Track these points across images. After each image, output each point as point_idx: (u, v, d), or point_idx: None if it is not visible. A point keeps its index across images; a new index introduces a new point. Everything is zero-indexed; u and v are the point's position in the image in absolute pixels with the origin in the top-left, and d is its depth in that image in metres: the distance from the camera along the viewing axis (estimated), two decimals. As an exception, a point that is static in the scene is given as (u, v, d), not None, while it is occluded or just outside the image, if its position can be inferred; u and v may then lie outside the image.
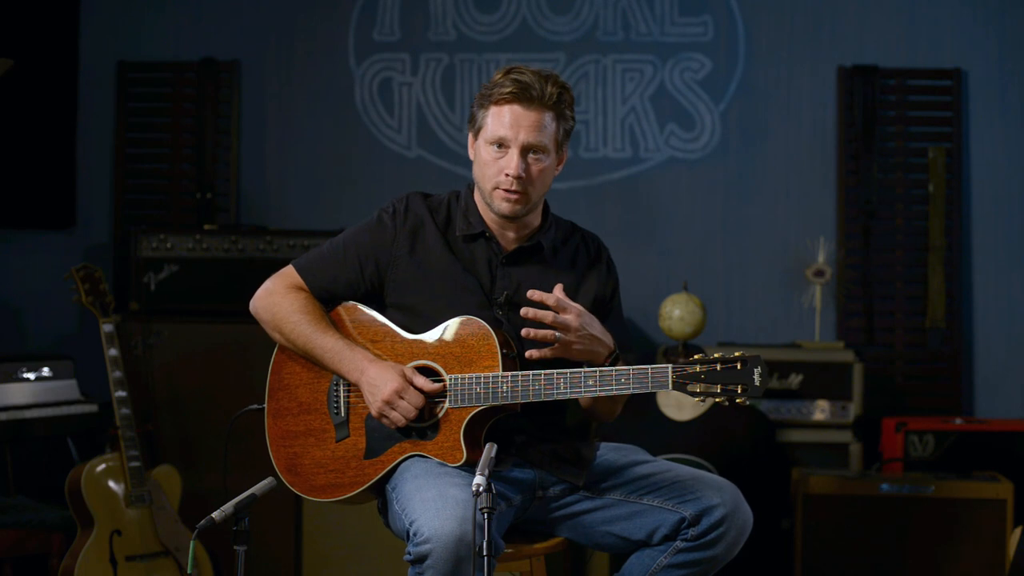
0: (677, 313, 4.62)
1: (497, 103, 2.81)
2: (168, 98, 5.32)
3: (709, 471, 3.29)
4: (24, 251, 5.23)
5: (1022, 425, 4.66)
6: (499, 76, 2.83)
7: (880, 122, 5.15)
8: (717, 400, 2.63)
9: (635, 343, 3.07)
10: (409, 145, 5.31)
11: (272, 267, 3.01)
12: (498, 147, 2.81)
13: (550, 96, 2.81)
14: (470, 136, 2.91)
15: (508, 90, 2.79)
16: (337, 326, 2.89)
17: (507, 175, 2.80)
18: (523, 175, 2.80)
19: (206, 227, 4.83)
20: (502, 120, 2.80)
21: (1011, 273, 5.15)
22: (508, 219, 2.87)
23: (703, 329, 4.65)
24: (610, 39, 5.27)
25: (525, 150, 2.80)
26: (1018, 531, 3.69)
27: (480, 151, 2.85)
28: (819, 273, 5.03)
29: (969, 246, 5.16)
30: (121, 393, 4.19)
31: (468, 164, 5.20)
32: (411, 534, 2.59)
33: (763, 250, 5.21)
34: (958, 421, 4.65)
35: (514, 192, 2.81)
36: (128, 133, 5.32)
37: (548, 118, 2.82)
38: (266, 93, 5.34)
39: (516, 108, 2.79)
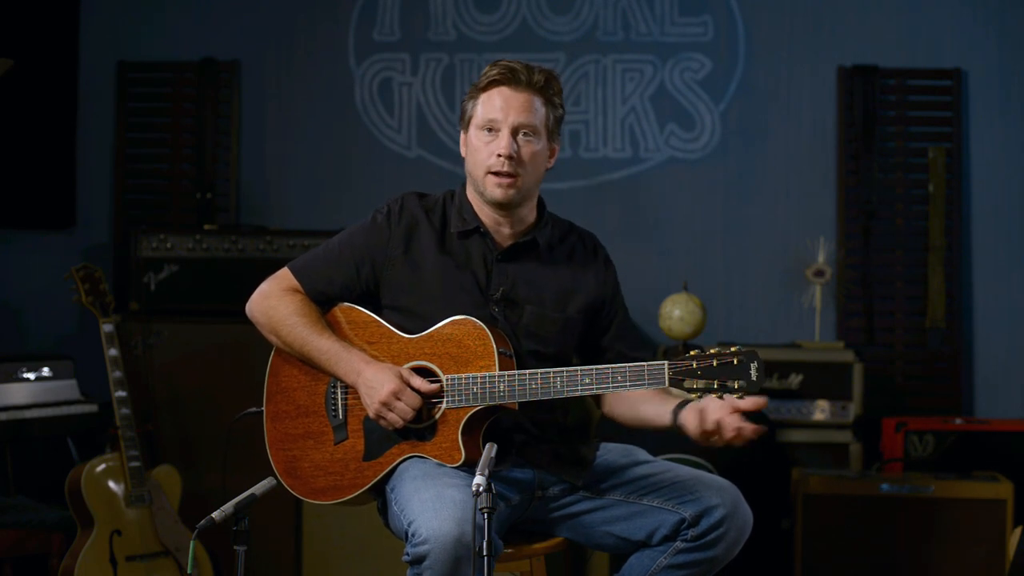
0: (677, 313, 4.62)
1: (485, 89, 2.84)
2: (168, 98, 5.33)
3: (709, 471, 3.29)
4: (24, 251, 5.23)
5: (1022, 425, 4.66)
6: (487, 68, 2.86)
7: (880, 122, 5.15)
8: (714, 396, 2.63)
9: (633, 335, 3.07)
10: (409, 145, 5.31)
11: (272, 267, 3.01)
12: (488, 131, 2.82)
13: (537, 80, 2.83)
14: (462, 134, 2.92)
15: (495, 73, 2.82)
16: (333, 327, 2.89)
17: (499, 156, 2.80)
18: (514, 155, 2.80)
19: (206, 227, 4.83)
20: (492, 104, 2.82)
21: (1011, 273, 5.15)
22: (501, 207, 2.86)
23: (703, 329, 4.66)
24: (610, 39, 5.27)
25: (515, 131, 2.81)
26: (1018, 531, 3.68)
27: (471, 140, 2.86)
28: (819, 273, 5.03)
29: (969, 246, 5.16)
30: (121, 393, 4.19)
31: (468, 164, 5.27)
32: (409, 535, 2.58)
33: (763, 250, 5.21)
34: (958, 421, 4.65)
35: (506, 175, 2.81)
36: (128, 133, 5.32)
37: (538, 102, 2.84)
38: (266, 93, 5.34)
39: (504, 90, 2.82)
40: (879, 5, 5.21)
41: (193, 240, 4.69)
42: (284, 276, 2.93)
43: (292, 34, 5.34)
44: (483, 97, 2.84)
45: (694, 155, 5.25)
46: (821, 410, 4.72)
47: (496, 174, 2.81)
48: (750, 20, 5.24)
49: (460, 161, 5.17)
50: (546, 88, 2.85)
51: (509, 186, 2.82)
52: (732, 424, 2.68)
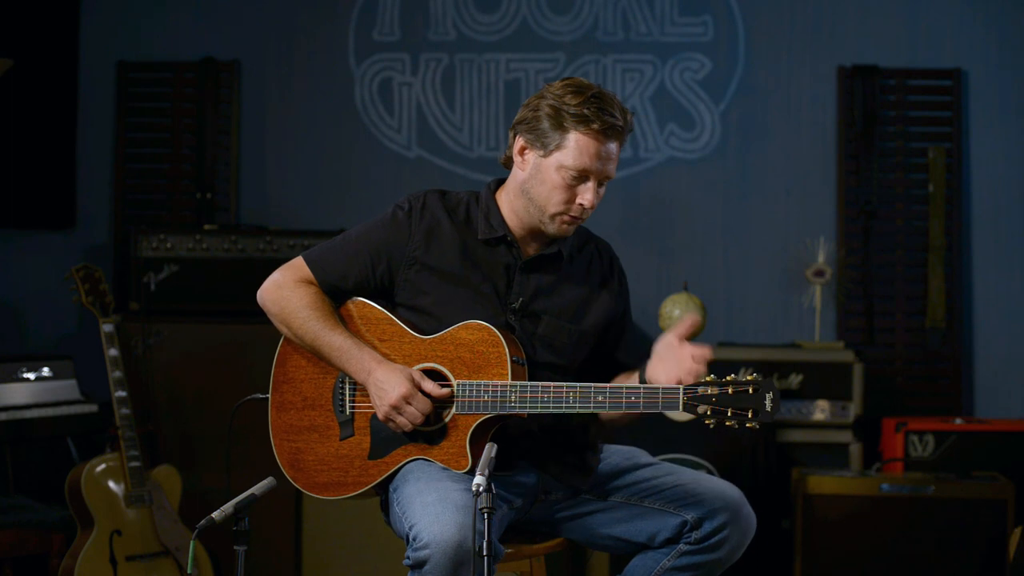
0: (677, 313, 4.62)
1: (583, 133, 2.74)
2: (168, 98, 5.32)
3: (710, 472, 3.29)
4: (24, 251, 5.23)
5: (1022, 425, 4.66)
6: (577, 99, 2.74)
7: (880, 122, 5.15)
8: (727, 423, 2.62)
9: (635, 343, 3.06)
10: (409, 145, 5.31)
11: (272, 267, 2.99)
12: (575, 175, 2.77)
13: (628, 127, 2.79)
14: (525, 143, 2.82)
15: (599, 126, 2.73)
16: (345, 322, 2.87)
17: (582, 205, 2.78)
18: (594, 205, 2.80)
19: (206, 227, 4.83)
20: (588, 152, 2.74)
21: (1011, 273, 5.15)
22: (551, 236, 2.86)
23: (703, 329, 4.65)
24: (610, 39, 5.27)
25: (600, 181, 2.79)
26: (1018, 531, 3.69)
27: (549, 172, 2.78)
28: (819, 273, 5.03)
29: (969, 246, 5.16)
30: (121, 393, 4.19)
31: (467, 164, 5.29)
32: (410, 538, 2.58)
33: (763, 250, 5.21)
34: (958, 421, 4.65)
35: (579, 219, 2.81)
36: (128, 133, 5.32)
37: (618, 147, 2.80)
38: (266, 93, 5.34)
39: (602, 142, 2.75)
40: (879, 5, 5.21)
41: (193, 240, 4.69)
42: (298, 266, 2.91)
43: (292, 34, 5.34)
44: (578, 139, 2.74)
45: (694, 155, 5.25)
46: (821, 410, 4.72)
47: (572, 217, 2.80)
48: (750, 20, 5.24)
49: (460, 161, 5.27)
50: (629, 131, 2.81)
51: (575, 226, 2.84)
52: (688, 355, 2.69)
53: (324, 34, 5.33)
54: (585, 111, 2.73)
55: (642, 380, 2.75)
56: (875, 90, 5.13)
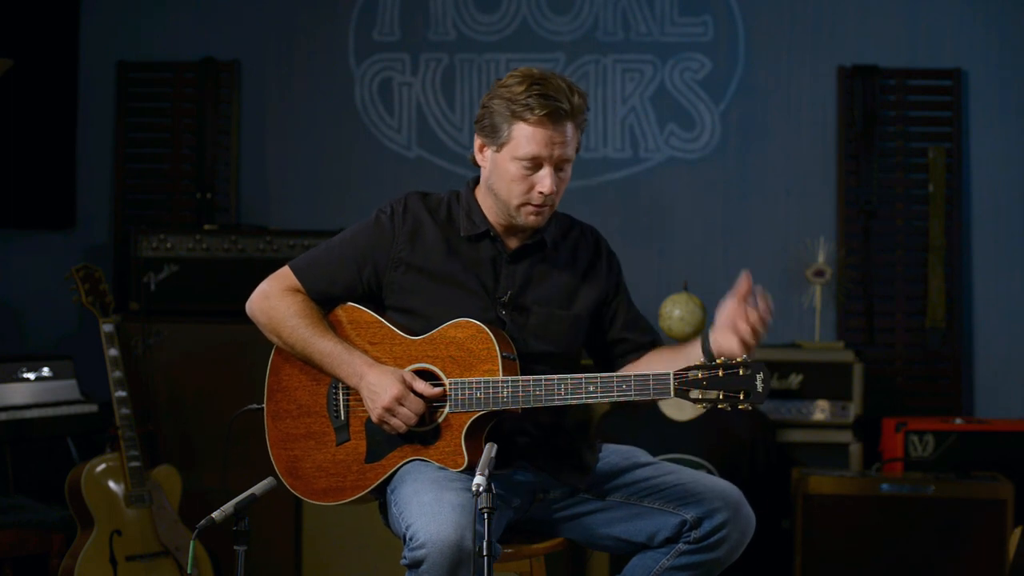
0: (677, 313, 4.62)
1: (527, 122, 2.74)
2: (168, 98, 5.33)
3: (710, 472, 3.29)
4: (24, 251, 5.23)
5: (1022, 425, 4.66)
6: (521, 88, 2.74)
7: (880, 122, 5.15)
8: (720, 407, 2.62)
9: (640, 319, 3.04)
10: (409, 145, 5.31)
11: (272, 267, 3.00)
12: (528, 164, 2.77)
13: (577, 108, 2.78)
14: (482, 141, 2.84)
15: (541, 112, 2.73)
16: (335, 327, 2.88)
17: (541, 193, 2.77)
18: (555, 190, 2.79)
19: (206, 227, 4.83)
20: (535, 140, 2.74)
21: (1011, 273, 5.15)
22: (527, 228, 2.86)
23: (703, 329, 4.65)
24: (610, 39, 5.27)
25: (556, 165, 2.79)
26: (1018, 531, 3.69)
27: (505, 166, 2.78)
28: (819, 273, 5.03)
29: (969, 246, 5.16)
30: (121, 393, 4.19)
31: (467, 164, 5.17)
32: (407, 538, 2.58)
33: (763, 250, 5.21)
34: (958, 421, 4.65)
35: (544, 207, 2.81)
36: (128, 133, 5.32)
37: (572, 128, 2.79)
38: (266, 93, 5.34)
39: (549, 127, 2.75)
40: (879, 5, 5.21)
41: (193, 240, 4.69)
42: (285, 275, 2.92)
43: (292, 34, 5.34)
44: (524, 129, 2.74)
45: (694, 155, 5.25)
46: (821, 410, 4.72)
47: (535, 206, 2.80)
48: (750, 20, 5.24)
49: (460, 161, 5.27)
50: (581, 111, 2.80)
51: (544, 215, 2.83)
52: (753, 318, 2.68)
53: (324, 34, 5.34)
54: (528, 100, 2.73)
55: (706, 350, 2.72)
56: (875, 90, 5.13)
